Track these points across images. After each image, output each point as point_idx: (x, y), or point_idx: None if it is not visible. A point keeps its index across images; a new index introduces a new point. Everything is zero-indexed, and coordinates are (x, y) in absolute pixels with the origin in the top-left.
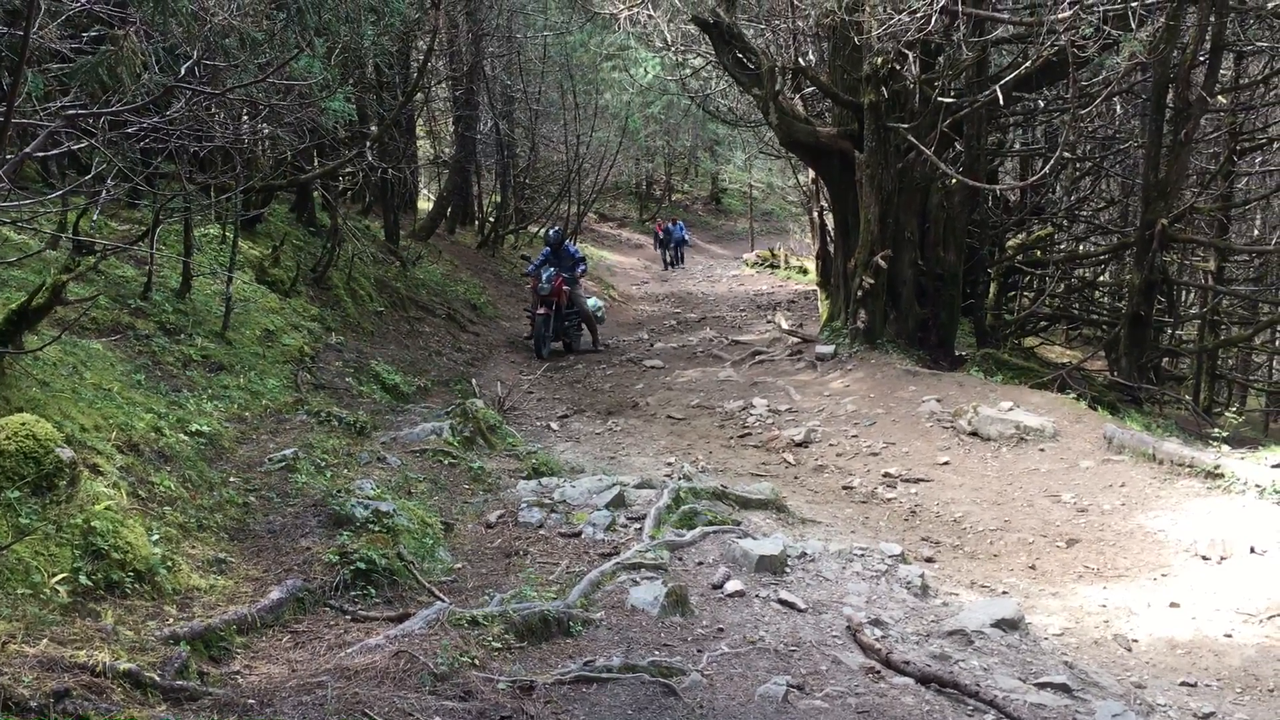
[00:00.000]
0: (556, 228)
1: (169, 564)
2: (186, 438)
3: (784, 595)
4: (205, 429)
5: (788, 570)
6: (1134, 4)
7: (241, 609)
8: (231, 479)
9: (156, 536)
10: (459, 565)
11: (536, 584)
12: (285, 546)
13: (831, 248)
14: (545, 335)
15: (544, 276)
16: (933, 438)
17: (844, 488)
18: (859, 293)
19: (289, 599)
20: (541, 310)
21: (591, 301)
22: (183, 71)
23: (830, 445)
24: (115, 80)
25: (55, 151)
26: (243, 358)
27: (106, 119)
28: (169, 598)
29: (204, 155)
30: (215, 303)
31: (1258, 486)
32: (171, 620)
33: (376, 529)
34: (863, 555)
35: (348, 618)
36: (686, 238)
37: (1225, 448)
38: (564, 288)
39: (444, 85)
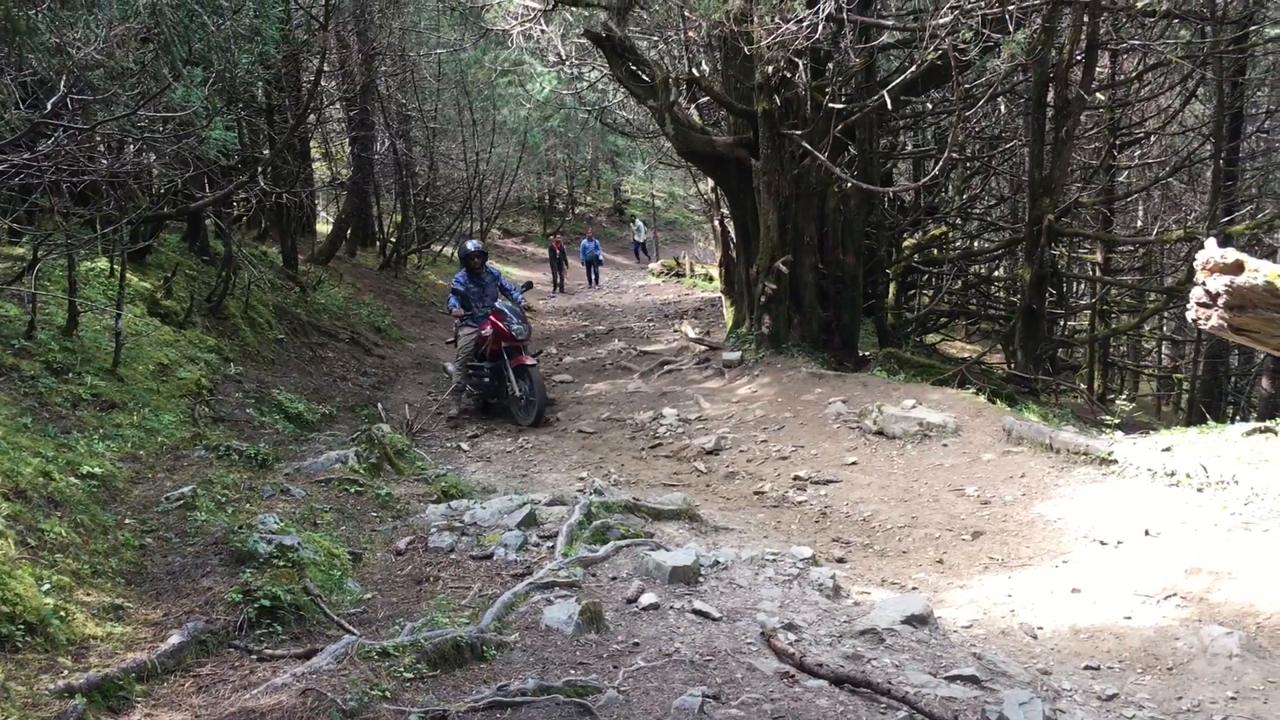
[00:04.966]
0: (477, 241)
1: (62, 614)
2: (77, 480)
3: (698, 605)
4: (97, 470)
5: (701, 580)
6: (1011, 7)
7: (140, 655)
8: (127, 521)
9: (48, 586)
10: (368, 595)
11: (448, 610)
12: (186, 588)
13: (734, 254)
14: (540, 397)
15: (511, 314)
16: (840, 439)
17: (755, 493)
18: (762, 298)
19: (191, 642)
20: (530, 361)
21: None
22: (49, 107)
23: (740, 451)
24: None
25: None
26: (136, 394)
27: None
28: (63, 649)
29: (82, 189)
30: (105, 338)
31: (1149, 470)
32: (66, 672)
33: (281, 564)
34: (775, 560)
35: (253, 657)
36: (601, 256)
37: (1118, 434)
38: None
39: (337, 106)
